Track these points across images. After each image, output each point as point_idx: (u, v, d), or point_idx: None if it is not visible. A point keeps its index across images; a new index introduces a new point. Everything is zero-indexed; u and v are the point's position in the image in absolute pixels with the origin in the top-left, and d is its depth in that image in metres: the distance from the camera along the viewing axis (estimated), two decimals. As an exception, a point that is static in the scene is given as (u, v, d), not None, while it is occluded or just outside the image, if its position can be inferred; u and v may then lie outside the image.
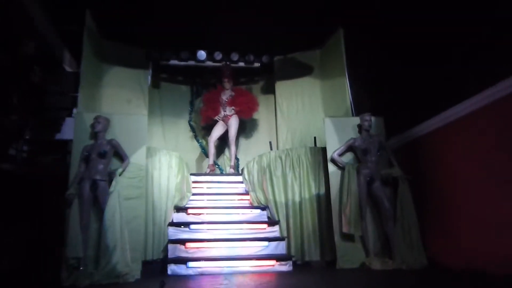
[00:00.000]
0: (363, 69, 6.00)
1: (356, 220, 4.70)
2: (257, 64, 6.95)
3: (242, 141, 7.18)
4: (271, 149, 6.39)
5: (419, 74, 4.98)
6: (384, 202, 4.75)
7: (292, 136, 6.73)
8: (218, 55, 6.79)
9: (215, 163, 6.66)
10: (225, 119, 6.53)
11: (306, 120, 6.71)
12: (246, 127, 7.15)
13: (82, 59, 5.29)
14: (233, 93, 6.63)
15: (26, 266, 4.72)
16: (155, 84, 6.99)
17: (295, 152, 5.49)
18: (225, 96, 6.61)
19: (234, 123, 6.44)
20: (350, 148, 5.10)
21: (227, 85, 6.62)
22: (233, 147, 6.43)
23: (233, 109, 6.47)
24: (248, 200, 5.67)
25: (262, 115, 7.17)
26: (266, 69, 7.08)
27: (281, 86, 7.00)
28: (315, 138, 6.13)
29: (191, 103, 7.33)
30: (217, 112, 6.60)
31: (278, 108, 6.93)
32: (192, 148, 7.07)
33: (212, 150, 6.42)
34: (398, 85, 5.40)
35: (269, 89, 7.25)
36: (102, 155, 4.60)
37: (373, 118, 5.12)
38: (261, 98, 7.20)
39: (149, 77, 6.54)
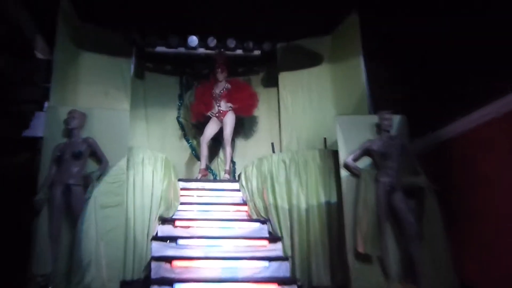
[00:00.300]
0: (382, 59, 6.05)
1: (373, 237, 4.71)
2: (257, 52, 7.05)
3: (239, 141, 7.23)
4: (273, 151, 6.43)
5: (449, 66, 5.08)
6: (408, 217, 4.76)
7: (298, 137, 6.76)
8: (212, 41, 6.86)
9: (207, 167, 6.68)
10: (219, 116, 6.59)
11: (314, 118, 6.75)
12: (244, 126, 7.20)
13: (56, 44, 5.37)
14: (228, 85, 6.71)
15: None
16: (139, 75, 7.08)
17: (302, 156, 5.53)
18: (219, 89, 6.69)
19: (229, 120, 6.52)
20: (366, 152, 5.13)
21: (221, 76, 6.70)
22: (228, 149, 6.48)
23: (230, 106, 6.57)
24: (246, 211, 5.71)
25: (262, 111, 7.23)
26: (268, 58, 7.17)
27: (285, 78, 7.07)
28: (325, 139, 6.18)
29: (180, 97, 7.40)
30: (210, 108, 6.66)
31: (282, 104, 6.99)
32: (181, 149, 7.13)
33: (204, 152, 6.46)
34: (424, 78, 5.51)
35: (271, 81, 7.34)
36: (77, 155, 4.67)
37: (394, 117, 5.17)
38: (262, 92, 7.28)
39: (132, 66, 6.62)
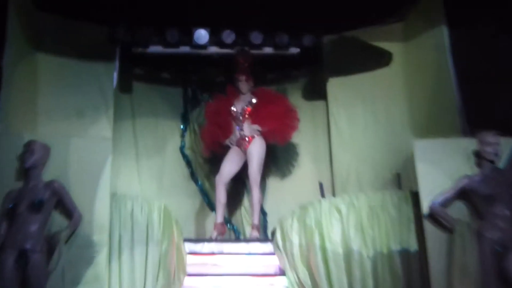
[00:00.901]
0: (482, 58, 5.99)
1: None
2: (294, 50, 7.13)
3: (272, 181, 7.29)
4: (322, 195, 6.47)
5: None
6: None
7: (358, 172, 6.80)
8: (229, 36, 6.91)
9: (226, 221, 6.73)
10: (242, 144, 6.64)
11: (381, 144, 6.78)
12: (279, 157, 7.23)
13: (6, 45, 5.44)
14: (254, 99, 6.78)
15: None
16: (125, 86, 7.18)
17: (365, 201, 5.56)
18: (241, 104, 6.77)
19: (257, 150, 6.55)
20: (462, 194, 5.12)
21: (244, 86, 6.79)
22: (256, 193, 6.47)
23: (258, 130, 6.59)
24: (285, 287, 5.67)
25: (305, 135, 7.25)
26: (310, 57, 7.22)
27: (336, 86, 7.12)
28: (398, 175, 6.19)
29: (185, 118, 7.51)
30: (228, 133, 6.75)
31: (333, 123, 7.05)
32: (187, 194, 7.21)
33: (222, 198, 6.48)
34: None
35: (316, 92, 7.42)
36: (37, 206, 4.69)
37: (502, 140, 5.15)
38: (303, 107, 7.30)
39: (115, 75, 6.68)
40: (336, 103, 7.08)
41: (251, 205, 6.61)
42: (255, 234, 6.39)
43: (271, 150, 6.84)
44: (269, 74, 7.55)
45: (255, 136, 6.61)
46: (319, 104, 7.32)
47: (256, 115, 6.67)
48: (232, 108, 6.77)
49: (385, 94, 6.92)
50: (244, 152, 6.61)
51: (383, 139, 6.76)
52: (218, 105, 6.97)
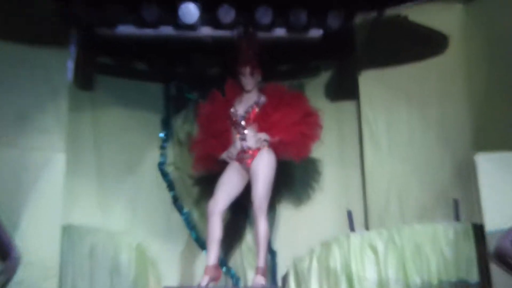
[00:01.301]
0: None
1: None
2: (315, 34, 7.08)
3: (285, 209, 7.31)
4: (351, 228, 6.45)
5: None
6: None
7: (402, 197, 6.74)
8: (227, 14, 6.81)
9: (221, 264, 6.71)
10: (244, 159, 6.56)
11: (432, 159, 6.72)
12: (295, 176, 7.29)
13: None
14: (262, 99, 6.77)
15: None
16: (84, 80, 7.11)
17: (410, 236, 5.63)
18: (244, 105, 6.74)
19: (264, 167, 6.48)
20: None
21: (250, 81, 6.73)
22: (262, 225, 6.38)
23: (265, 140, 6.48)
24: None
25: (328, 147, 7.25)
26: (337, 43, 7.21)
27: (371, 82, 7.09)
28: (456, 202, 6.13)
29: (166, 123, 7.53)
30: (225, 144, 6.72)
31: (367, 132, 7.03)
32: (167, 227, 7.23)
33: (215, 232, 6.36)
34: None
35: (344, 89, 7.46)
36: None
37: None
38: (326, 110, 7.27)
39: (71, 65, 6.59)
40: (371, 104, 7.05)
41: (256, 241, 6.52)
42: (260, 280, 6.25)
43: (283, 168, 6.82)
44: (281, 65, 7.63)
45: (262, 148, 6.55)
46: (348, 105, 7.36)
47: (264, 121, 6.62)
48: (232, 110, 6.73)
49: (438, 93, 6.84)
50: (247, 169, 6.57)
51: (435, 152, 6.70)
52: (214, 107, 6.95)
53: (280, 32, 7.01)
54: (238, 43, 6.80)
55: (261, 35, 6.91)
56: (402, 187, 6.75)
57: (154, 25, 6.83)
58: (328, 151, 7.21)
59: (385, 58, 7.03)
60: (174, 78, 7.60)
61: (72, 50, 6.67)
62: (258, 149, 6.54)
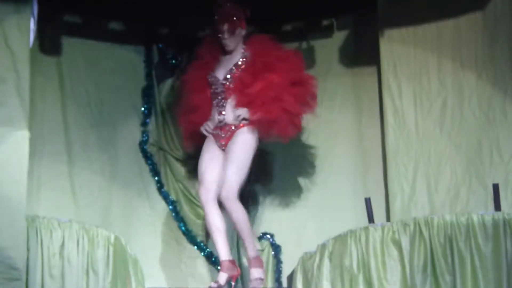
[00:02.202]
0: None
1: None
2: None
3: (287, 196, 7.46)
4: (369, 220, 6.47)
5: None
6: None
7: (431, 183, 6.82)
8: None
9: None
10: (219, 137, 6.66)
11: (469, 138, 6.79)
12: (298, 154, 7.46)
13: None
14: (244, 57, 6.79)
15: None
16: (49, 43, 7.26)
17: (441, 229, 5.66)
18: (224, 68, 6.75)
19: (238, 150, 6.50)
20: None
21: (231, 40, 6.74)
22: (236, 212, 6.40)
23: (243, 117, 6.50)
24: None
25: (341, 123, 7.54)
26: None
27: (396, 44, 7.16)
28: (496, 187, 6.09)
29: (147, 93, 7.72)
30: (205, 114, 6.86)
31: (390, 106, 7.10)
32: (151, 218, 7.41)
33: (218, 223, 6.48)
34: None
35: (363, 53, 7.61)
36: None
37: None
38: (341, 77, 7.59)
39: (33, 24, 6.57)
40: (395, 71, 7.07)
41: (237, 232, 6.64)
42: (258, 273, 6.36)
43: (285, 146, 7.03)
44: (286, 24, 7.73)
45: (241, 126, 6.60)
46: (367, 73, 7.47)
47: (241, 92, 6.63)
48: (209, 77, 6.78)
49: (477, 57, 6.85)
50: (222, 148, 6.67)
51: (473, 129, 6.74)
52: (192, 74, 7.05)
53: None
54: None
55: None
56: (431, 171, 6.79)
57: None
58: (342, 127, 7.44)
59: (413, 14, 7.07)
60: (157, 41, 7.74)
61: (35, 6, 6.58)
62: (238, 126, 6.59)
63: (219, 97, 6.60)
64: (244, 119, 6.45)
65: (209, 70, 6.77)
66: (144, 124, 7.60)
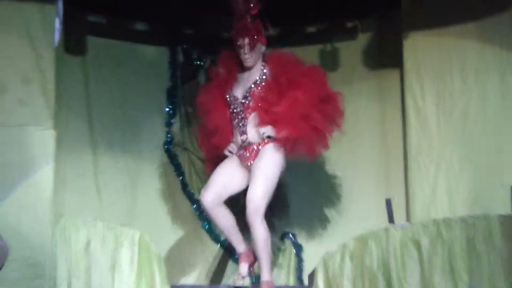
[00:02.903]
0: None
1: None
2: None
3: (308, 197, 7.56)
4: (390, 220, 6.59)
5: None
6: None
7: (452, 185, 6.90)
8: None
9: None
10: (244, 157, 6.51)
11: (490, 139, 6.84)
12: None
13: None
14: (264, 74, 6.55)
15: None
16: (74, 44, 7.34)
17: (461, 230, 5.68)
18: (243, 87, 6.52)
19: (264, 166, 6.28)
20: None
21: (249, 55, 6.47)
22: (259, 231, 6.19)
23: (268, 135, 6.24)
24: None
25: (364, 125, 7.62)
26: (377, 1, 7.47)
27: (419, 48, 7.22)
28: None
29: (172, 94, 7.77)
30: (227, 136, 6.67)
31: (412, 107, 7.18)
32: (175, 217, 7.49)
33: (226, 221, 6.40)
34: None
35: (386, 56, 7.67)
36: None
37: None
38: (365, 78, 7.70)
39: (58, 25, 6.63)
40: (418, 72, 7.15)
41: (255, 251, 6.38)
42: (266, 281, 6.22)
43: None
44: (311, 26, 7.78)
45: (266, 144, 6.40)
46: (391, 75, 7.55)
47: (265, 110, 6.38)
48: (227, 96, 6.56)
49: (502, 59, 6.86)
50: (248, 168, 6.47)
51: (495, 131, 6.77)
52: (209, 93, 6.83)
53: None
54: (233, 3, 6.52)
55: None
56: (452, 172, 6.88)
57: None
58: (366, 128, 7.54)
59: (437, 16, 7.10)
60: (181, 41, 7.82)
61: (60, 8, 6.63)
62: (262, 144, 6.36)
63: (239, 117, 6.38)
64: (269, 136, 6.20)
65: (227, 89, 6.52)
66: (168, 124, 7.67)
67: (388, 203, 6.65)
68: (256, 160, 6.24)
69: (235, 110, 6.36)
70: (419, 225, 5.85)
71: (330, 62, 7.74)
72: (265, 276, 6.14)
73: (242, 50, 6.34)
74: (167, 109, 7.68)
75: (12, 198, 5.17)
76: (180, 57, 7.83)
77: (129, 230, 5.78)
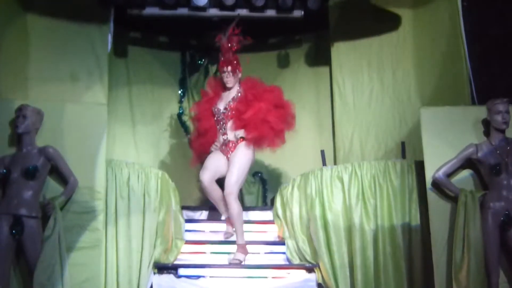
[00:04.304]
0: (492, 25, 6.19)
1: None
2: (298, 13, 7.10)
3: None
4: (323, 164, 6.51)
5: None
6: None
7: (362, 141, 6.96)
8: None
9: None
10: (225, 151, 6.15)
11: (387, 113, 6.96)
12: None
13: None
14: (239, 93, 6.21)
15: None
16: (120, 50, 7.40)
17: (368, 169, 5.74)
18: (225, 101, 6.17)
19: (239, 158, 5.95)
20: (468, 163, 5.25)
21: (230, 79, 6.10)
22: (234, 207, 5.84)
23: (240, 136, 5.97)
24: (284, 253, 5.92)
25: (307, 102, 7.52)
26: (316, 21, 7.28)
27: (341, 52, 7.26)
28: (403, 144, 6.32)
29: (183, 83, 7.77)
30: (212, 140, 6.30)
31: (337, 91, 7.20)
32: (184, 162, 7.23)
33: (216, 195, 6.04)
34: None
35: (321, 57, 7.59)
36: (31, 173, 4.85)
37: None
38: (306, 73, 7.63)
39: (110, 38, 6.81)
40: (341, 69, 7.22)
41: (232, 222, 6.01)
42: (239, 257, 5.74)
43: None
44: (272, 38, 7.75)
45: (240, 142, 6.06)
46: (323, 70, 7.50)
47: (238, 118, 6.05)
48: (214, 108, 6.20)
49: (392, 61, 7.05)
50: (228, 158, 6.10)
51: (389, 107, 6.93)
52: (200, 107, 6.53)
53: (270, 12, 6.99)
54: (219, 41, 6.34)
55: (256, 14, 6.88)
56: (362, 133, 6.96)
57: (173, 7, 6.85)
58: (307, 105, 7.48)
59: (352, 33, 7.20)
60: (189, 49, 7.82)
61: (111, 26, 6.80)
62: (238, 142, 6.00)
63: (221, 123, 5.98)
64: (241, 137, 5.89)
65: (214, 103, 6.15)
66: (180, 101, 7.70)
67: (322, 153, 6.65)
68: (233, 153, 5.89)
69: (218, 118, 6.00)
70: (342, 167, 5.92)
71: (284, 62, 7.81)
72: (239, 240, 5.80)
73: (225, 75, 6.03)
74: (179, 92, 7.73)
75: (81, 150, 5.17)
76: (188, 59, 7.84)
77: (155, 169, 5.80)
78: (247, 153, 5.84)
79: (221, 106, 6.00)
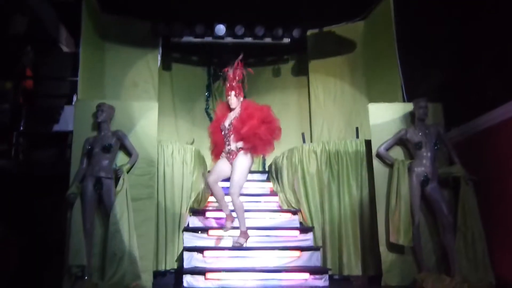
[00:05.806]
0: (417, 45, 6.10)
1: (406, 228, 4.79)
2: (286, 40, 7.19)
3: None
4: (303, 142, 6.50)
5: (487, 51, 5.03)
6: (442, 208, 4.83)
7: (329, 127, 7.02)
8: (240, 30, 7.00)
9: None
10: (229, 158, 5.31)
11: (346, 108, 6.99)
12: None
13: (81, 37, 5.63)
14: (240, 111, 5.33)
15: (21, 275, 5.08)
16: (166, 66, 7.44)
17: (333, 146, 5.64)
18: (229, 120, 5.33)
19: (240, 163, 5.13)
20: (400, 141, 5.21)
21: (234, 101, 5.30)
22: (236, 202, 5.09)
23: (239, 147, 5.13)
24: (277, 202, 5.93)
25: (293, 101, 7.61)
26: (298, 45, 7.32)
27: (315, 66, 7.28)
28: (357, 129, 6.32)
29: (208, 87, 7.87)
30: (222, 149, 5.47)
31: (313, 93, 7.23)
32: (208, 141, 7.14)
33: (219, 194, 5.27)
34: (462, 64, 5.47)
35: (302, 70, 7.61)
36: (107, 149, 4.88)
37: (429, 105, 5.17)
38: (292, 81, 7.68)
39: (159, 57, 6.86)
40: (315, 78, 7.25)
41: (236, 214, 5.24)
42: (241, 241, 5.03)
43: None
44: (268, 57, 7.79)
45: (239, 151, 5.22)
46: (303, 79, 7.55)
47: (237, 133, 5.28)
48: (221, 126, 5.40)
49: (350, 72, 7.06)
50: (231, 163, 5.31)
51: (348, 104, 7.00)
52: (214, 124, 5.66)
53: (267, 39, 7.17)
54: (227, 73, 5.52)
55: (257, 42, 7.07)
56: (329, 123, 7.07)
57: (202, 36, 7.06)
58: (293, 102, 7.63)
59: (323, 53, 7.24)
60: (212, 64, 7.89)
61: (160, 49, 6.93)
62: (238, 151, 5.12)
63: (226, 137, 5.19)
64: (240, 147, 5.09)
65: (221, 122, 5.29)
66: (206, 100, 7.79)
67: (303, 135, 6.67)
68: (235, 160, 5.11)
69: (224, 133, 5.23)
70: (316, 144, 5.85)
71: (276, 73, 7.83)
72: (242, 227, 5.10)
73: (229, 98, 5.28)
74: (206, 94, 7.82)
75: (138, 134, 5.06)
76: (212, 71, 7.87)
77: (190, 146, 5.77)
78: (245, 160, 5.14)
79: (226, 123, 5.27)
